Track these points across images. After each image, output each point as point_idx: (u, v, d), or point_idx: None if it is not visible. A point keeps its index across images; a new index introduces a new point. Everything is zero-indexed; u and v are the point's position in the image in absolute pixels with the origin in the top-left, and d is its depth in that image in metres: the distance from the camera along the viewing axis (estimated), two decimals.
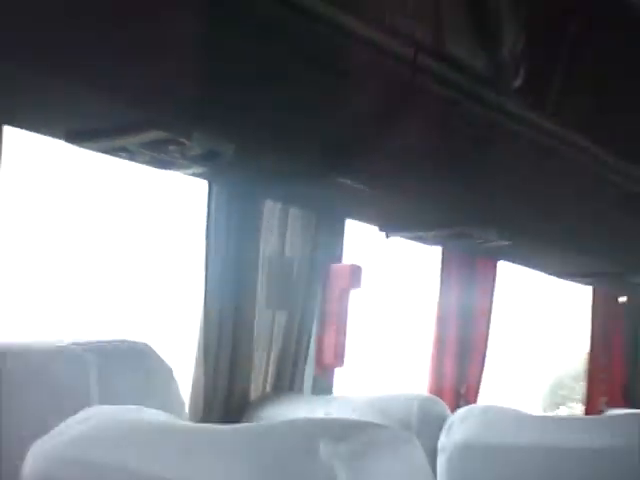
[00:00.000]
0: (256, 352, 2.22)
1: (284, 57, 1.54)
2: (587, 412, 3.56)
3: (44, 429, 0.94)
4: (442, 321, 2.77)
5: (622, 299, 3.60)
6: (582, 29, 2.07)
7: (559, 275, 3.51)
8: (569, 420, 1.73)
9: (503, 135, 2.07)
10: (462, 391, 2.71)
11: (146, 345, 1.22)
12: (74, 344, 1.19)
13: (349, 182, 2.10)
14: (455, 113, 1.93)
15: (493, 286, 2.85)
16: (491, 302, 2.86)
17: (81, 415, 0.96)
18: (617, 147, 2.26)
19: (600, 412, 3.32)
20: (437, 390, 2.61)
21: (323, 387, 2.38)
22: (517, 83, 2.00)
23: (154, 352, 1.21)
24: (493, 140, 2.07)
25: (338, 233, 2.47)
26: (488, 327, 2.83)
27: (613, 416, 1.56)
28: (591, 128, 2.22)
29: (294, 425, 0.83)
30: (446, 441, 1.56)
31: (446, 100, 1.85)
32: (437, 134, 1.97)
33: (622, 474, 1.33)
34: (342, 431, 0.80)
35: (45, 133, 1.71)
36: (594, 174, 2.32)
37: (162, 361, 1.21)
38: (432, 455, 1.55)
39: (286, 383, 2.24)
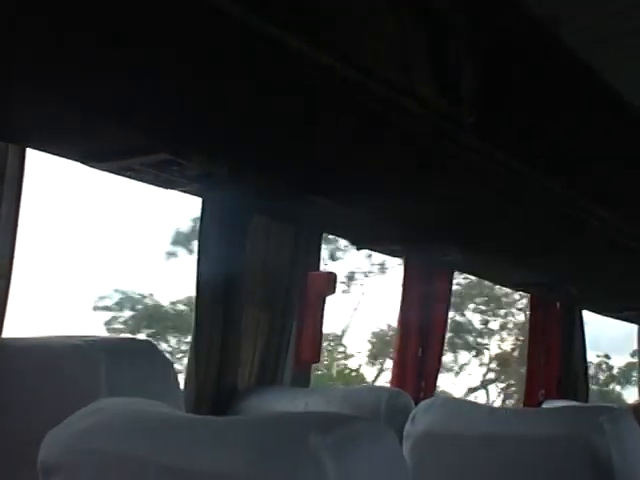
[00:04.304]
0: (243, 349, 2.19)
1: (272, 94, 1.54)
2: (526, 403, 3.56)
3: (58, 419, 0.91)
4: (405, 325, 2.75)
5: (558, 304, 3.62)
6: (528, 74, 2.07)
7: (504, 284, 3.52)
8: (519, 411, 1.71)
9: (458, 163, 2.06)
10: (422, 385, 2.70)
11: (150, 342, 1.19)
12: (84, 341, 1.16)
13: (325, 200, 2.10)
14: (419, 143, 1.92)
15: (449, 294, 2.85)
16: (447, 308, 2.85)
17: (92, 406, 0.93)
18: (559, 175, 2.26)
19: (538, 403, 3.32)
20: (401, 384, 2.60)
21: (301, 380, 2.36)
22: (471, 118, 2.00)
23: (157, 349, 1.18)
24: (450, 167, 2.06)
25: (315, 244, 2.45)
26: (444, 330, 2.83)
27: (558, 408, 1.55)
28: (535, 158, 2.22)
29: (286, 418, 0.81)
30: (411, 429, 1.53)
31: (411, 132, 1.84)
32: (403, 160, 1.96)
33: (567, 460, 1.32)
34: (329, 423, 0.78)
35: (61, 155, 1.69)
36: (536, 199, 2.32)
37: (164, 357, 1.18)
38: (399, 442, 1.53)
39: (269, 377, 2.21)
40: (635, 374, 8.21)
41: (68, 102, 1.40)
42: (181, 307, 5.35)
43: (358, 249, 2.47)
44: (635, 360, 8.13)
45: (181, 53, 1.25)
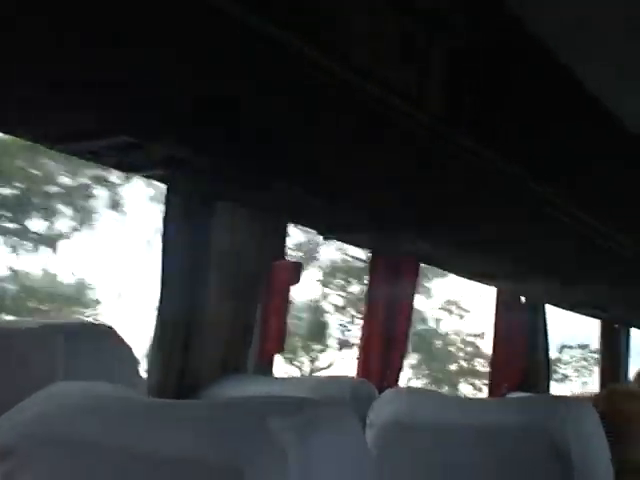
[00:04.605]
0: (206, 338, 2.17)
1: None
2: (490, 395, 3.59)
3: (12, 404, 0.89)
4: (370, 316, 2.75)
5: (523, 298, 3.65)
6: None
7: (470, 277, 3.54)
8: (482, 401, 1.72)
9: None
10: (386, 375, 2.70)
11: (109, 326, 1.17)
12: (42, 325, 1.14)
13: (292, 189, 2.09)
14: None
15: (415, 285, 2.84)
16: (412, 299, 2.85)
17: (46, 390, 0.90)
18: (534, 170, 2.27)
19: (502, 396, 3.35)
20: (366, 374, 2.60)
21: (264, 370, 2.34)
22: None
23: (116, 333, 1.16)
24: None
25: (281, 234, 2.44)
26: (409, 321, 2.83)
27: (521, 398, 1.55)
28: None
29: (248, 402, 0.80)
30: (374, 418, 1.53)
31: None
32: (375, 150, 1.95)
33: (528, 448, 1.33)
34: (292, 407, 0.77)
35: (21, 136, 1.65)
36: (506, 191, 2.33)
37: (124, 341, 1.16)
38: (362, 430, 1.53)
39: (232, 365, 2.19)
40: (563, 370, 8.67)
41: (28, 82, 1.38)
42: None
43: (325, 239, 2.46)
44: (561, 356, 8.72)
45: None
